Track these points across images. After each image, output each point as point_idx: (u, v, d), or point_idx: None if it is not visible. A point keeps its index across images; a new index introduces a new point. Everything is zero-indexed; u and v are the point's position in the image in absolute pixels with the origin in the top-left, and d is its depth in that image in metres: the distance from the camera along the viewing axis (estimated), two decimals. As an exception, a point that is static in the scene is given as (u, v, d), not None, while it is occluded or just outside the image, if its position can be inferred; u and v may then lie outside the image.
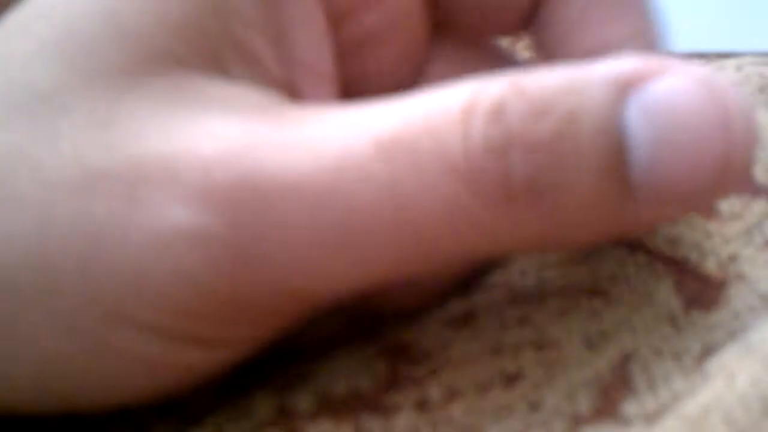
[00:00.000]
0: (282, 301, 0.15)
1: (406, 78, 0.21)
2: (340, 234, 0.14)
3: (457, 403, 0.16)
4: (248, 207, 0.14)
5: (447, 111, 0.14)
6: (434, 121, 0.14)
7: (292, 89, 0.17)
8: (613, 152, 0.14)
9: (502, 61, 0.22)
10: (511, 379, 0.16)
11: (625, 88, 0.14)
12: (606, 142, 0.14)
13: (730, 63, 0.29)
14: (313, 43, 0.18)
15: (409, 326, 0.19)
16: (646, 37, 0.20)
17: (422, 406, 0.16)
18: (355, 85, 0.20)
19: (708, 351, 0.16)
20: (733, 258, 0.19)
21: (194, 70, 0.16)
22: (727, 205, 0.21)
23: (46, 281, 0.14)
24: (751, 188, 0.21)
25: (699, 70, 0.14)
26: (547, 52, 0.21)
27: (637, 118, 0.14)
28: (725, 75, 0.14)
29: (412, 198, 0.14)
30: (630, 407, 0.15)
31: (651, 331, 0.17)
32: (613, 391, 0.16)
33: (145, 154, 0.14)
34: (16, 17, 0.16)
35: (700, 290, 0.18)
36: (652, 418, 0.15)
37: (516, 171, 0.14)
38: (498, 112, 0.14)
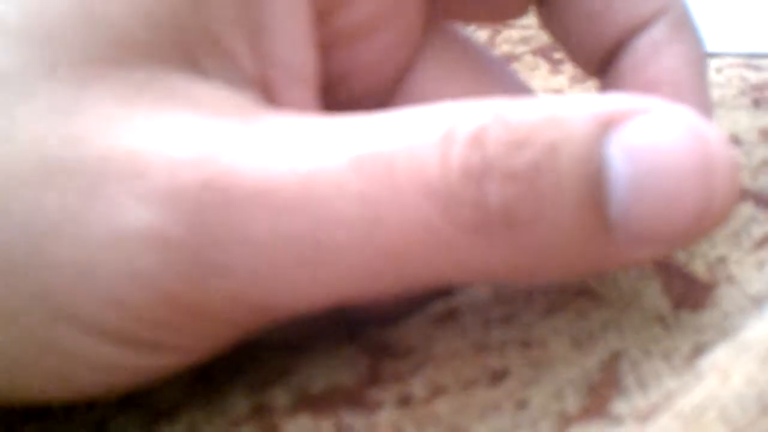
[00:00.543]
0: (240, 312, 0.15)
1: (397, 69, 0.21)
2: (307, 247, 0.14)
3: (442, 400, 0.15)
4: (212, 211, 0.14)
5: (427, 132, 0.14)
6: (413, 141, 0.14)
7: (268, 88, 0.17)
8: (592, 187, 0.14)
9: (490, 61, 0.22)
10: (497, 377, 0.16)
11: (608, 124, 0.14)
12: (585, 177, 0.14)
13: (711, 64, 0.29)
14: (293, 41, 0.17)
15: (391, 324, 0.18)
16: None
17: (405, 402, 0.15)
18: (345, 76, 0.20)
19: (698, 351, 0.16)
20: (721, 260, 0.19)
21: (166, 65, 0.15)
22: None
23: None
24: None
25: (686, 114, 0.14)
26: (556, 25, 0.21)
27: (618, 155, 0.14)
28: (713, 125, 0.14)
29: (384, 216, 0.14)
30: (619, 406, 0.15)
31: (639, 330, 0.17)
32: (602, 390, 0.15)
33: (109, 148, 0.14)
34: None
35: (689, 291, 0.18)
36: (642, 417, 0.14)
37: (492, 199, 0.14)
38: (478, 138, 0.14)
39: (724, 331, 0.16)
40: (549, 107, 0.14)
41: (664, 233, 0.14)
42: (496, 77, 0.22)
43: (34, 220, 0.13)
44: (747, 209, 0.21)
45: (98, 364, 0.14)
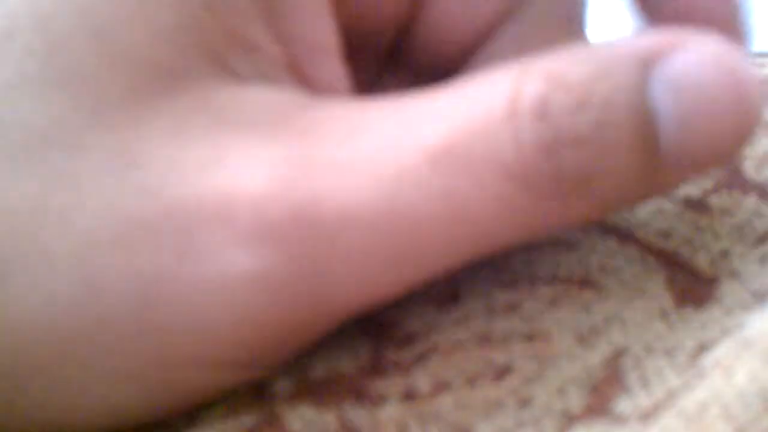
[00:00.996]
0: (335, 321, 0.15)
1: (486, 23, 0.20)
2: (400, 252, 0.14)
3: (446, 396, 0.15)
4: (307, 241, 0.14)
5: (492, 112, 0.14)
6: (481, 124, 0.14)
7: (295, 68, 0.17)
8: (646, 130, 0.15)
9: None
10: (500, 372, 0.16)
11: (648, 64, 0.15)
12: (640, 123, 0.15)
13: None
14: (311, 16, 0.17)
15: (391, 304, 0.18)
16: None
17: (410, 397, 0.15)
18: (428, 34, 0.20)
19: (701, 348, 0.16)
20: (724, 254, 0.19)
21: (198, 76, 0.15)
22: (718, 201, 0.20)
23: (105, 343, 0.14)
24: (742, 185, 0.21)
25: (711, 44, 0.15)
26: None
27: (662, 92, 0.14)
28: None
29: (467, 204, 0.14)
30: (623, 405, 0.15)
31: (643, 327, 0.17)
32: (605, 387, 0.15)
33: (185, 196, 0.14)
34: None
35: (693, 286, 0.18)
36: (645, 415, 0.14)
37: (566, 166, 0.14)
38: (542, 109, 0.14)
39: (728, 328, 0.16)
40: (593, 57, 0.15)
41: (709, 155, 0.15)
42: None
43: (129, 286, 0.13)
44: (751, 203, 0.21)
45: (194, 389, 0.15)
